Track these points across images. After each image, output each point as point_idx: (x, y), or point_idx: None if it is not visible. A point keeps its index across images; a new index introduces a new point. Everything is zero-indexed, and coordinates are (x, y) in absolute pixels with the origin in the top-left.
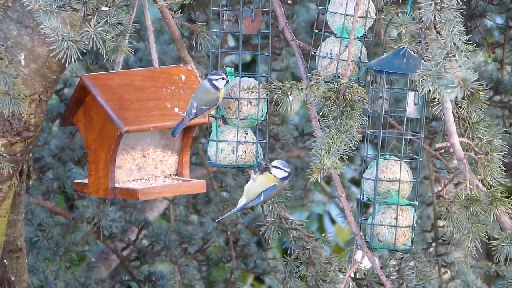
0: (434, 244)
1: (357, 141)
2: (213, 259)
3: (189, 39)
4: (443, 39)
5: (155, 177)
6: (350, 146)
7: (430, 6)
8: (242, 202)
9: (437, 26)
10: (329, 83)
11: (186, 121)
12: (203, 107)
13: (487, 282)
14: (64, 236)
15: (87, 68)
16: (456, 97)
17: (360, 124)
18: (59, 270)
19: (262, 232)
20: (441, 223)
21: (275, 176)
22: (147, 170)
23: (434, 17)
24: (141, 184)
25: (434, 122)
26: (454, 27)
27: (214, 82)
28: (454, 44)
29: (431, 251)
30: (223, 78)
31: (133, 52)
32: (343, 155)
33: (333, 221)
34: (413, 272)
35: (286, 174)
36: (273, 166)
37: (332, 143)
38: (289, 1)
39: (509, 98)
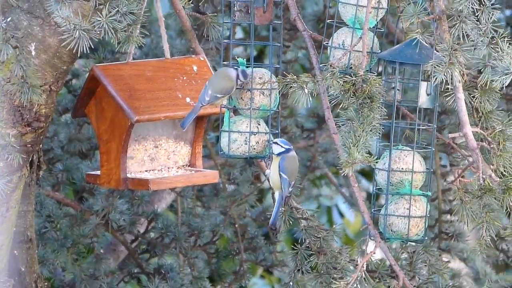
0: (437, 239)
1: (379, 133)
2: (222, 252)
3: (197, 30)
4: (483, 27)
5: (168, 168)
6: (373, 138)
7: None
8: (276, 196)
9: (476, 14)
10: (344, 75)
11: (198, 109)
12: (217, 95)
13: (496, 271)
14: (73, 228)
15: (99, 62)
16: (504, 85)
17: (380, 116)
18: (67, 261)
19: (271, 224)
20: (445, 217)
21: (274, 154)
22: (160, 161)
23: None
24: (154, 174)
25: (443, 115)
26: (493, 14)
27: (237, 69)
28: (496, 31)
29: (436, 247)
30: (235, 69)
31: (143, 44)
32: (369, 148)
33: (341, 214)
34: (425, 265)
35: (284, 149)
36: (274, 143)
37: (359, 136)
38: None
39: None
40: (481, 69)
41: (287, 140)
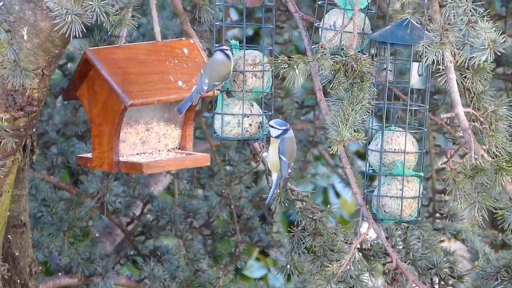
0: (431, 218)
1: (369, 112)
2: (218, 233)
3: (191, 12)
4: (463, 6)
5: (159, 150)
6: (363, 118)
7: None
8: (274, 177)
9: None
10: (335, 55)
11: (196, 98)
12: (215, 83)
13: (494, 250)
14: (68, 212)
15: (95, 44)
16: (480, 63)
17: (370, 96)
18: (63, 245)
19: (267, 204)
20: (439, 197)
21: (272, 136)
22: (151, 143)
23: None
24: (145, 157)
25: (436, 95)
26: None
27: (226, 51)
28: (475, 9)
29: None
30: (230, 50)
31: (136, 27)
32: (358, 126)
33: (337, 194)
34: (419, 241)
35: (281, 131)
36: (270, 127)
37: (348, 114)
38: None
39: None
40: (459, 48)
41: (282, 120)
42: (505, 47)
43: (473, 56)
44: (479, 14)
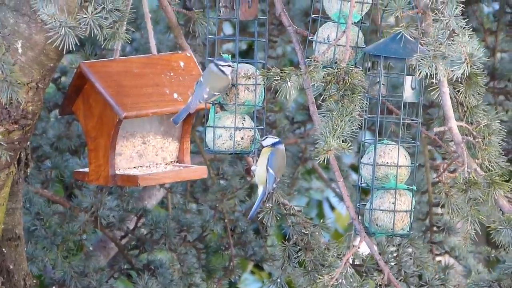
0: (429, 232)
1: (359, 124)
2: (212, 247)
3: (184, 27)
4: (445, 19)
5: (156, 164)
6: (353, 129)
7: None
8: (260, 190)
9: (439, 7)
10: (327, 68)
11: (195, 105)
12: (215, 93)
13: (488, 267)
14: (62, 225)
15: (86, 58)
16: (458, 77)
17: (361, 108)
18: (57, 259)
19: (260, 218)
20: (436, 210)
21: (266, 146)
22: (148, 157)
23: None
24: (142, 171)
25: (430, 109)
26: (455, 8)
27: (221, 67)
28: (456, 23)
29: (425, 239)
30: (229, 66)
31: (130, 41)
32: (347, 137)
33: (332, 208)
34: (410, 258)
35: (276, 140)
36: (264, 138)
37: (336, 125)
38: None
39: (505, 83)
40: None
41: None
42: (482, 62)
43: (452, 70)
44: (460, 27)
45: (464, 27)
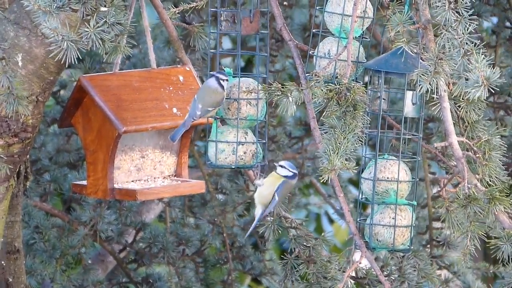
0: (429, 246)
1: (361, 141)
2: (210, 261)
3: (184, 41)
4: (459, 38)
5: (154, 178)
6: (355, 146)
7: (444, 5)
8: (258, 211)
9: (453, 25)
10: (329, 84)
11: (189, 123)
12: (208, 109)
13: (486, 283)
14: (61, 239)
15: (86, 72)
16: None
17: (363, 124)
18: (56, 272)
19: (261, 232)
20: (436, 224)
21: (280, 175)
22: (146, 171)
23: (447, 18)
24: (140, 185)
25: (430, 123)
26: (470, 25)
27: (222, 81)
28: (472, 42)
29: (426, 253)
30: (226, 80)
31: (128, 57)
32: (350, 155)
33: (331, 221)
34: (414, 270)
35: (292, 173)
36: (279, 166)
37: (339, 143)
38: (284, 3)
39: (505, 98)
40: (455, 79)
41: (292, 163)
42: (498, 83)
43: (467, 91)
44: (475, 46)
45: (478, 44)
